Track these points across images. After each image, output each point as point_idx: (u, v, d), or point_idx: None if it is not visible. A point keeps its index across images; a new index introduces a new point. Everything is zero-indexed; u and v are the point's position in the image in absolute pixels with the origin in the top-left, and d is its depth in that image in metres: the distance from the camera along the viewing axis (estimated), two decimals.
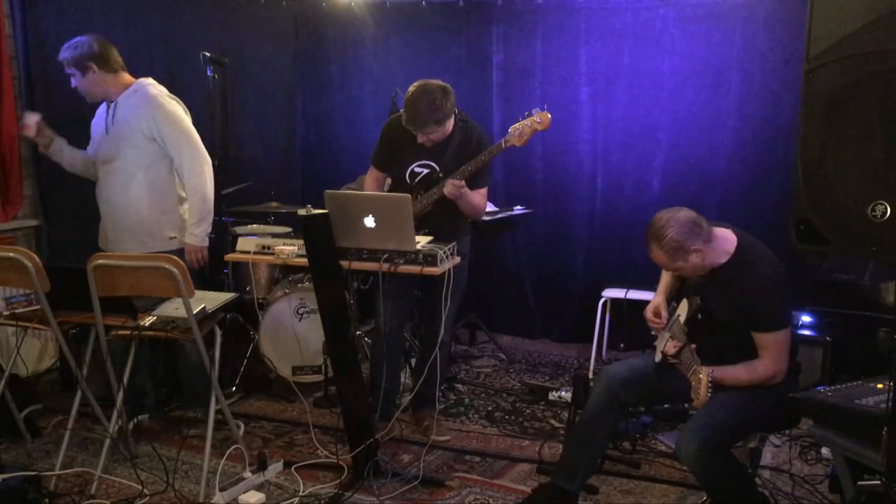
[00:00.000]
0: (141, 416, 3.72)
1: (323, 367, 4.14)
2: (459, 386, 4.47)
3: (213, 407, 3.16)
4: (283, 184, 5.53)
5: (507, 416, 4.03)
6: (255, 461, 3.27)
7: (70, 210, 4.44)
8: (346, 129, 5.66)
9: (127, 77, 3.65)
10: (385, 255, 2.99)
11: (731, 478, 2.65)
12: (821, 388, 2.43)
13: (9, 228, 4.35)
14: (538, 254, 5.35)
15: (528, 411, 4.10)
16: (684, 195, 4.72)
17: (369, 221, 2.97)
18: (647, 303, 3.02)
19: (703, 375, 2.52)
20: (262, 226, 4.79)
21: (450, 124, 3.43)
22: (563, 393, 4.18)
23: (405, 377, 4.15)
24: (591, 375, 4.44)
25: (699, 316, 2.80)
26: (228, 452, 3.29)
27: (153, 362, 3.82)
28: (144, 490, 3.13)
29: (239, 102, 5.40)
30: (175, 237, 3.69)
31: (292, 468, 3.34)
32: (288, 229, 4.69)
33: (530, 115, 3.38)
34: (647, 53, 4.82)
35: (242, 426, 3.60)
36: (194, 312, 2.91)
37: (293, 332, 4.17)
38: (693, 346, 2.69)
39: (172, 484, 3.15)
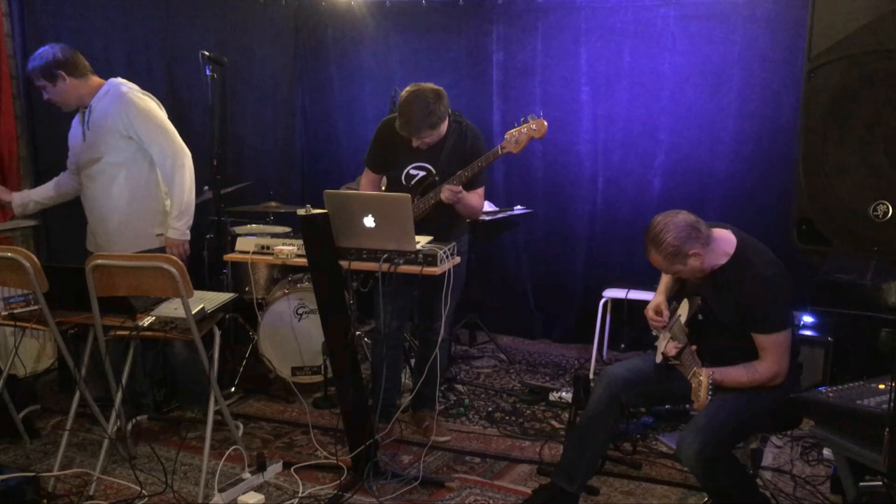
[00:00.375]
0: (139, 416, 3.71)
1: (322, 367, 4.14)
2: (459, 386, 4.47)
3: (212, 407, 3.15)
4: (282, 184, 5.53)
5: (507, 417, 4.02)
6: (254, 462, 3.26)
7: (69, 210, 4.41)
8: (346, 129, 5.66)
9: (96, 79, 3.63)
10: (385, 255, 2.99)
11: (732, 479, 2.64)
12: (822, 389, 2.42)
13: (7, 228, 4.34)
14: (538, 254, 5.35)
15: (528, 412, 4.09)
16: (684, 195, 4.72)
17: (369, 221, 2.96)
18: (647, 303, 3.01)
19: (704, 377, 2.51)
20: (261, 226, 4.78)
21: (444, 127, 3.43)
22: (563, 394, 4.18)
23: (405, 377, 4.14)
24: (591, 376, 4.43)
25: (700, 317, 2.80)
26: (227, 453, 3.29)
27: (151, 363, 3.81)
28: (143, 491, 3.12)
29: (239, 102, 5.40)
30: (162, 234, 3.68)
31: (291, 469, 3.34)
32: (287, 229, 4.69)
33: (526, 121, 3.37)
34: (647, 53, 4.82)
35: (241, 427, 3.60)
36: (193, 313, 2.91)
37: (293, 332, 4.17)
38: (694, 347, 2.68)
39: (171, 485, 3.14)
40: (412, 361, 4.11)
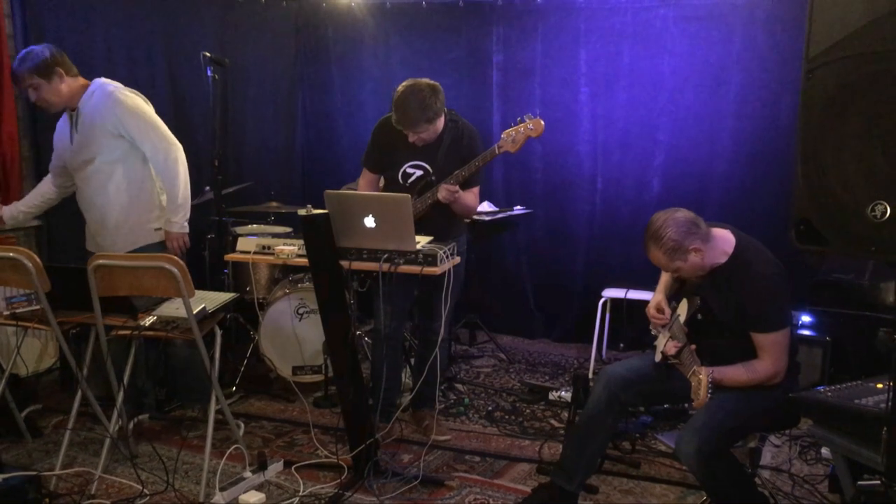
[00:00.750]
0: (141, 416, 3.72)
1: (323, 367, 4.14)
2: (459, 386, 4.48)
3: (213, 407, 3.16)
4: (283, 184, 5.54)
5: (507, 416, 4.03)
6: (255, 461, 3.27)
7: (70, 210, 4.42)
8: (346, 129, 5.67)
9: (83, 80, 3.61)
10: (385, 255, 3.00)
11: (730, 478, 2.65)
12: (820, 388, 2.43)
13: (9, 229, 4.34)
14: (538, 254, 5.36)
15: (528, 411, 4.10)
16: (684, 195, 4.73)
17: (369, 221, 2.97)
18: (647, 303, 3.02)
19: (703, 376, 2.52)
20: (262, 226, 4.79)
21: (440, 123, 3.43)
22: (562, 393, 4.19)
23: (405, 377, 4.15)
24: (590, 375, 4.44)
25: (699, 316, 2.81)
26: (228, 452, 3.30)
27: (153, 362, 3.82)
28: (144, 490, 3.13)
29: (239, 102, 5.41)
30: (160, 228, 3.68)
31: (292, 468, 3.35)
32: (288, 229, 4.70)
33: (523, 121, 3.37)
34: (646, 53, 4.83)
35: (242, 426, 3.61)
36: (194, 312, 2.92)
37: (293, 332, 4.18)
38: (693, 346, 2.69)
39: (172, 484, 3.15)
40: (412, 361, 4.13)
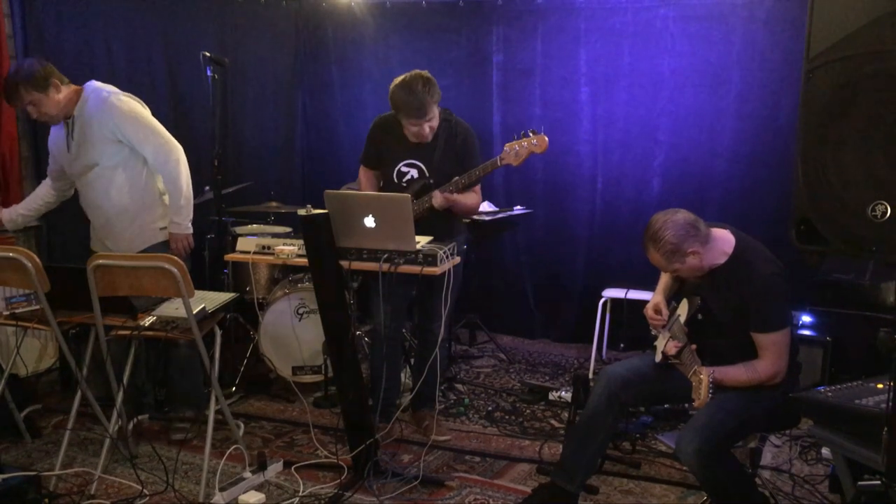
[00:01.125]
0: (141, 416, 3.72)
1: (323, 367, 4.14)
2: (459, 386, 4.48)
3: (213, 407, 3.16)
4: (283, 184, 5.54)
5: (507, 416, 4.03)
6: (254, 461, 3.27)
7: (70, 210, 4.42)
8: (346, 129, 5.67)
9: (76, 87, 3.58)
10: (385, 255, 2.99)
11: (731, 478, 2.65)
12: (821, 389, 2.43)
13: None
14: (538, 254, 5.36)
15: (528, 411, 4.10)
16: (684, 195, 4.73)
17: (369, 221, 2.97)
18: (647, 303, 3.02)
19: (704, 376, 2.52)
20: (262, 226, 4.79)
21: (436, 120, 3.43)
22: (563, 393, 4.18)
23: (405, 377, 4.15)
24: (591, 375, 4.44)
25: (699, 316, 2.81)
26: (228, 452, 3.30)
27: (153, 363, 3.82)
28: (144, 490, 3.13)
29: (239, 102, 5.41)
30: (165, 227, 3.68)
31: (292, 468, 3.34)
32: (288, 229, 4.70)
33: (527, 135, 3.37)
34: (647, 53, 4.83)
35: (242, 426, 3.61)
36: (194, 312, 2.91)
37: (293, 332, 4.17)
38: (693, 346, 2.69)
39: (172, 484, 3.15)
40: (412, 361, 4.13)
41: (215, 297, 3.22)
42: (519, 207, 5.09)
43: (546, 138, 3.36)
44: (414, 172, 3.52)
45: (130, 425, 3.46)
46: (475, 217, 4.71)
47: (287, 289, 4.32)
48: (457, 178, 3.40)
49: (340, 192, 3.40)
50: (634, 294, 4.49)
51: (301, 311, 4.26)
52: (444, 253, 3.01)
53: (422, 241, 3.08)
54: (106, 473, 3.23)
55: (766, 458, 3.47)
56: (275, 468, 3.34)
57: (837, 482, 2.68)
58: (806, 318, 4.11)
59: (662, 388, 2.94)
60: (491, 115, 5.22)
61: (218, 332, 3.19)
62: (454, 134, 3.49)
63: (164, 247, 3.64)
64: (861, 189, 1.99)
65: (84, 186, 3.67)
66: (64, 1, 4.43)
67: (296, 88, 5.80)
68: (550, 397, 4.21)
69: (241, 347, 4.42)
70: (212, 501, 3.05)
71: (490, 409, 4.14)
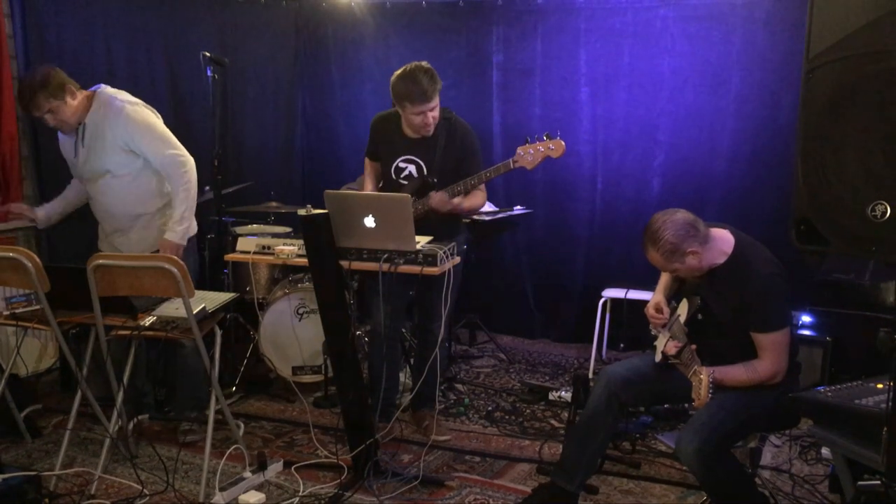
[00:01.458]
0: (141, 416, 3.72)
1: (323, 367, 4.14)
2: (459, 386, 4.48)
3: (213, 407, 3.16)
4: (283, 184, 5.54)
5: (507, 416, 4.03)
6: (255, 461, 3.27)
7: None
8: (346, 129, 5.67)
9: (87, 92, 3.55)
10: (385, 255, 3.00)
11: (731, 478, 2.65)
12: (821, 388, 2.43)
13: (9, 228, 4.35)
14: (538, 254, 5.36)
15: (528, 411, 4.10)
16: (684, 195, 4.73)
17: (369, 221, 2.97)
18: (647, 303, 3.02)
19: (705, 376, 2.52)
20: (262, 226, 4.79)
21: (437, 110, 3.43)
22: (563, 393, 4.18)
23: (405, 377, 4.15)
24: (591, 375, 4.44)
25: (699, 316, 2.81)
26: (228, 452, 3.30)
27: (153, 362, 3.82)
28: (144, 490, 3.13)
29: (239, 102, 5.41)
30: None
31: (292, 468, 3.34)
32: (288, 229, 4.70)
33: (541, 139, 3.35)
34: (647, 53, 4.83)
35: (242, 426, 3.61)
36: (194, 312, 2.91)
37: (293, 332, 4.17)
38: (693, 346, 2.69)
39: (172, 484, 3.15)
40: (412, 361, 4.13)
41: (215, 297, 3.22)
42: (519, 207, 5.09)
43: (563, 143, 3.34)
44: (412, 168, 3.52)
45: (130, 425, 3.46)
46: (475, 217, 4.71)
47: (287, 289, 4.32)
48: (467, 179, 3.39)
49: (340, 192, 3.40)
50: (634, 294, 4.49)
51: (301, 311, 4.26)
52: (444, 253, 3.01)
53: (422, 241, 3.08)
54: (106, 473, 3.23)
55: (766, 458, 3.47)
56: (275, 468, 3.34)
57: (837, 482, 2.68)
58: (806, 318, 4.11)
59: (662, 388, 2.94)
60: (491, 115, 5.22)
61: (218, 332, 3.19)
62: (454, 132, 3.50)
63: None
64: (861, 189, 1.98)
65: (96, 192, 3.65)
66: (64, 1, 4.43)
67: (296, 88, 5.80)
68: (550, 397, 4.21)
69: (241, 347, 4.42)
70: (212, 501, 3.05)
71: (490, 409, 4.14)
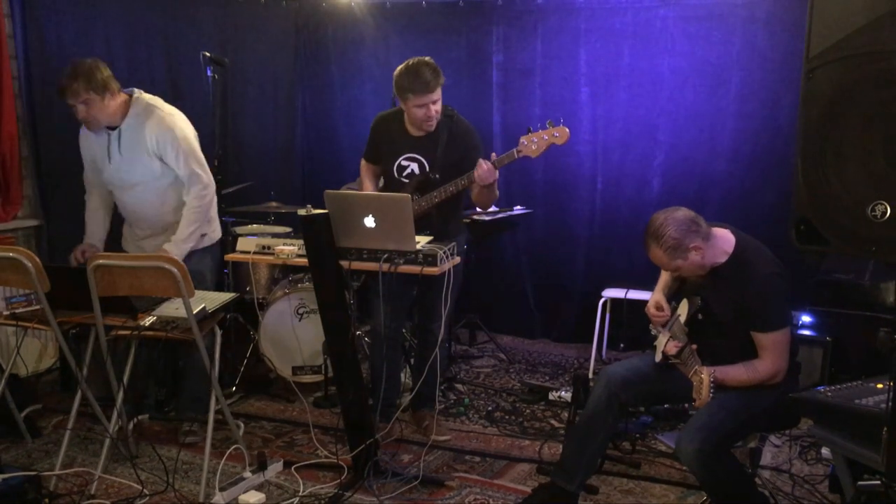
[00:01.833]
0: (141, 416, 3.72)
1: (323, 367, 4.14)
2: (459, 386, 4.48)
3: (213, 407, 3.16)
4: (283, 184, 5.54)
5: (507, 416, 4.03)
6: (255, 461, 3.27)
7: (70, 210, 4.43)
8: (346, 129, 5.67)
9: (124, 95, 3.52)
10: (385, 255, 3.00)
11: (731, 478, 2.65)
12: (821, 388, 2.43)
13: (9, 228, 4.35)
14: (538, 254, 5.36)
15: (528, 411, 4.10)
16: (684, 195, 4.72)
17: (369, 221, 2.97)
18: (647, 303, 3.02)
19: (706, 376, 2.52)
20: (262, 226, 4.79)
21: (441, 100, 3.44)
22: (563, 393, 4.18)
23: (405, 377, 4.15)
24: (591, 375, 4.44)
25: (699, 316, 2.81)
26: (228, 452, 3.30)
27: (153, 362, 3.82)
28: (144, 490, 3.13)
29: (239, 102, 5.41)
30: (206, 234, 3.67)
31: (292, 468, 3.35)
32: (288, 229, 4.70)
33: (544, 127, 3.34)
34: (647, 53, 4.83)
35: (242, 426, 3.61)
36: (194, 312, 2.91)
37: (293, 332, 4.17)
38: (694, 346, 2.69)
39: (172, 484, 3.15)
40: (412, 361, 4.13)
41: (215, 297, 3.22)
42: (519, 207, 5.09)
43: (567, 130, 3.32)
44: (414, 167, 3.52)
45: (131, 425, 3.46)
46: (475, 217, 4.72)
47: (287, 289, 4.32)
48: (471, 172, 3.36)
49: (340, 192, 3.40)
50: (634, 294, 4.49)
51: (301, 311, 4.26)
52: (444, 253, 3.01)
53: (422, 241, 3.08)
54: (106, 473, 3.24)
55: (766, 458, 3.47)
56: (275, 468, 3.34)
57: (837, 482, 2.68)
58: (806, 318, 4.11)
59: (662, 388, 2.94)
60: (491, 115, 5.22)
61: (218, 332, 3.19)
62: (456, 129, 3.50)
63: (204, 253, 3.65)
64: (861, 189, 1.98)
65: (129, 198, 3.62)
66: (64, 1, 4.43)
67: (296, 88, 5.80)
68: (550, 397, 4.21)
69: (241, 347, 4.42)
70: (212, 501, 3.05)
71: (490, 409, 4.14)
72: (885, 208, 1.93)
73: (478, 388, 4.46)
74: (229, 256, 3.47)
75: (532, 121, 5.05)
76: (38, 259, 2.97)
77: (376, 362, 3.66)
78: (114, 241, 3.82)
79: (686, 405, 3.69)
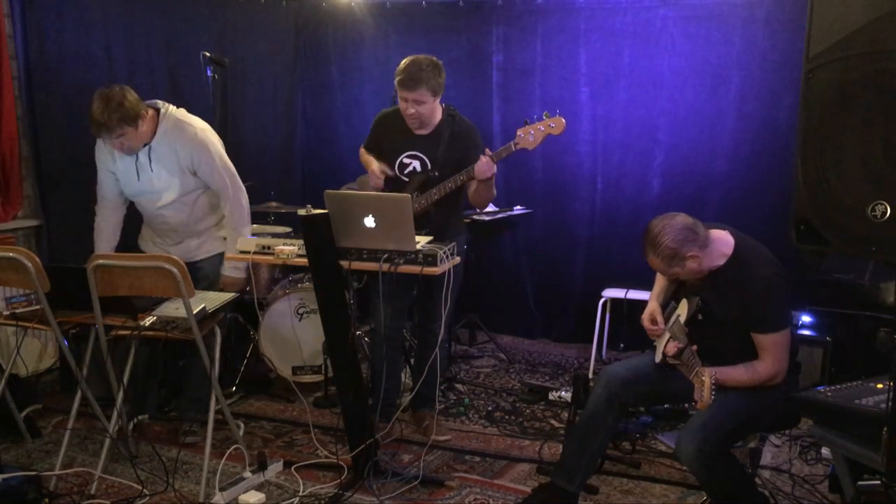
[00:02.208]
0: (141, 416, 3.72)
1: (323, 367, 4.14)
2: (459, 386, 4.48)
3: (213, 407, 3.16)
4: (283, 184, 5.53)
5: (507, 416, 4.03)
6: (255, 461, 3.27)
7: (70, 210, 4.44)
8: (346, 129, 5.67)
9: (151, 111, 3.43)
10: (385, 255, 2.99)
11: (731, 478, 2.65)
12: (821, 388, 2.43)
13: (9, 228, 4.35)
14: (538, 254, 5.35)
15: (528, 411, 4.10)
16: (684, 195, 4.73)
17: (369, 221, 2.97)
18: (646, 303, 3.02)
19: (707, 377, 2.51)
20: (262, 226, 4.79)
21: (438, 108, 3.44)
22: (563, 393, 4.18)
23: (405, 377, 4.15)
24: (591, 375, 4.44)
25: (699, 316, 2.80)
26: (228, 452, 3.30)
27: (153, 362, 3.82)
28: (144, 490, 3.13)
29: (239, 102, 5.40)
30: (226, 237, 3.67)
31: (292, 468, 3.35)
32: (288, 229, 4.69)
33: (540, 119, 3.34)
34: (647, 53, 4.82)
35: (242, 426, 3.61)
36: (194, 312, 2.91)
37: (293, 332, 4.17)
38: (694, 347, 2.69)
39: (172, 484, 3.15)
40: (412, 361, 4.13)
41: (215, 297, 3.22)
42: (519, 207, 5.09)
43: (563, 120, 3.33)
44: (416, 164, 3.52)
45: (131, 425, 3.46)
46: (475, 217, 4.72)
47: (287, 289, 4.32)
48: (470, 167, 3.37)
49: (340, 192, 3.40)
50: (634, 294, 4.49)
51: (301, 311, 4.26)
52: (444, 253, 3.01)
53: (422, 241, 3.08)
54: (106, 473, 3.24)
55: (766, 458, 3.47)
56: (275, 468, 3.34)
57: (837, 482, 2.69)
58: (806, 318, 4.11)
59: (662, 388, 2.94)
60: (491, 114, 5.22)
61: (218, 332, 3.19)
62: (458, 129, 3.50)
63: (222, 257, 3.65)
64: (861, 189, 1.98)
65: (160, 211, 3.60)
66: (64, 1, 4.43)
67: (296, 89, 5.80)
68: (550, 397, 4.21)
69: (241, 347, 4.42)
70: (212, 501, 3.05)
71: (490, 409, 4.14)
72: (885, 208, 1.93)
73: (478, 388, 4.46)
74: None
75: (532, 120, 5.07)
76: (38, 259, 2.97)
77: (376, 362, 3.66)
78: (130, 238, 3.81)
79: (686, 405, 3.69)
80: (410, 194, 3.19)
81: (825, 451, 3.39)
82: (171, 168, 3.48)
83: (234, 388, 4.24)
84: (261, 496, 3.07)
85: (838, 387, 2.40)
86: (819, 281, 4.11)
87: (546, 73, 5.08)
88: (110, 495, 3.13)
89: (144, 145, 3.44)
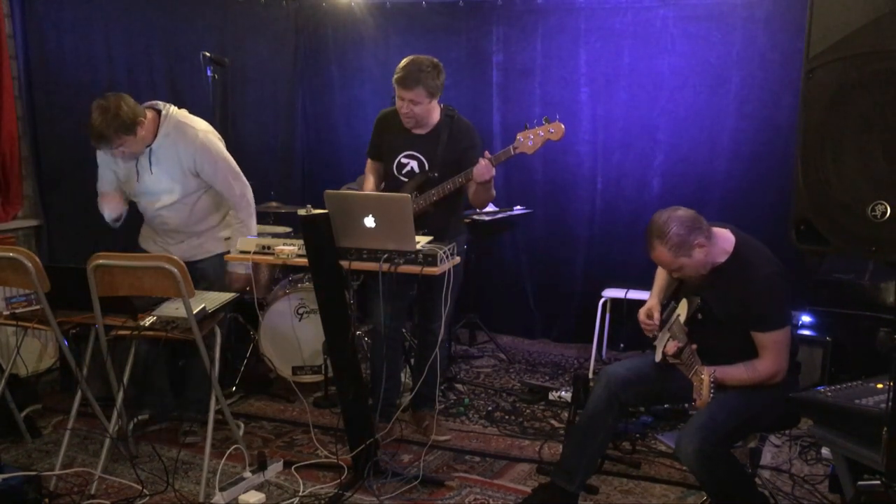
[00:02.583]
0: (140, 416, 3.71)
1: (323, 367, 4.14)
2: (459, 386, 4.47)
3: (213, 407, 3.16)
4: (283, 184, 5.54)
5: (506, 416, 4.03)
6: (255, 461, 3.27)
7: (70, 210, 4.44)
8: (346, 129, 5.67)
9: (150, 113, 3.41)
10: (385, 255, 2.99)
11: (731, 478, 2.65)
12: (821, 388, 2.43)
13: (9, 228, 4.35)
14: (538, 254, 5.35)
15: (528, 411, 4.10)
16: (684, 195, 4.72)
17: (369, 221, 2.97)
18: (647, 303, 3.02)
19: (706, 376, 2.51)
20: (262, 226, 4.78)
21: (435, 109, 3.44)
22: (563, 393, 4.18)
23: (405, 377, 4.15)
24: (591, 375, 4.44)
25: (699, 316, 2.80)
26: (228, 452, 3.30)
27: (153, 362, 3.81)
28: (144, 490, 3.13)
29: (239, 102, 5.40)
30: (229, 237, 3.68)
31: (292, 468, 3.35)
32: (288, 229, 4.70)
33: (539, 124, 3.35)
34: (646, 53, 4.83)
35: (242, 426, 3.61)
36: (194, 312, 2.91)
37: (293, 332, 4.17)
38: (694, 346, 2.69)
39: (172, 484, 3.15)
40: (412, 361, 4.13)
41: (215, 297, 3.22)
42: (519, 207, 5.09)
43: (562, 126, 3.34)
44: (414, 164, 3.52)
45: (130, 425, 3.46)
46: (475, 217, 4.72)
47: (287, 289, 4.32)
48: (469, 169, 3.36)
49: (340, 192, 3.40)
50: (634, 294, 4.49)
51: (301, 311, 4.26)
52: (444, 253, 3.01)
53: (422, 241, 3.08)
54: (106, 473, 3.24)
55: (766, 458, 3.47)
56: (275, 468, 3.34)
57: (837, 482, 2.68)
58: (806, 318, 4.11)
59: (662, 388, 2.94)
60: (491, 114, 5.22)
61: (218, 332, 3.19)
62: (457, 129, 3.50)
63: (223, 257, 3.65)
64: (861, 189, 1.98)
65: (161, 212, 3.59)
66: (64, 1, 4.43)
67: (296, 89, 5.80)
68: (550, 397, 4.21)
69: (241, 347, 4.42)
70: (212, 501, 3.05)
71: (490, 409, 4.14)
72: (885, 208, 1.93)
73: (478, 388, 4.46)
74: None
75: (532, 121, 5.07)
76: (38, 259, 2.97)
77: (376, 362, 3.66)
78: (130, 238, 3.81)
79: (686, 405, 3.69)
80: (409, 194, 3.19)
81: (825, 451, 3.39)
82: (173, 170, 3.48)
83: (234, 388, 4.24)
84: (261, 496, 3.07)
85: (838, 387, 2.40)
86: (819, 281, 4.11)
87: (546, 73, 5.08)
88: (110, 495, 3.13)
89: (146, 146, 3.44)
